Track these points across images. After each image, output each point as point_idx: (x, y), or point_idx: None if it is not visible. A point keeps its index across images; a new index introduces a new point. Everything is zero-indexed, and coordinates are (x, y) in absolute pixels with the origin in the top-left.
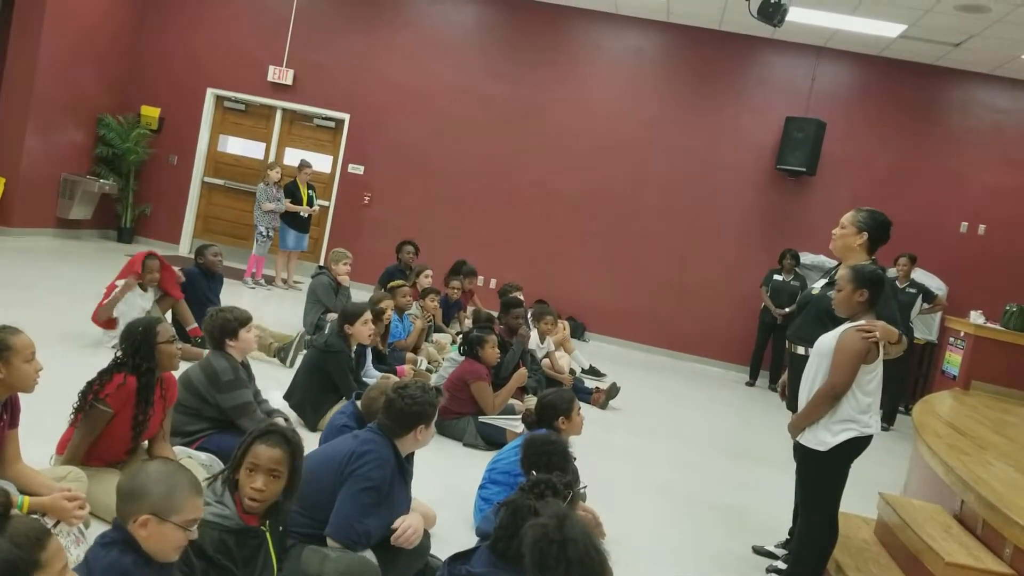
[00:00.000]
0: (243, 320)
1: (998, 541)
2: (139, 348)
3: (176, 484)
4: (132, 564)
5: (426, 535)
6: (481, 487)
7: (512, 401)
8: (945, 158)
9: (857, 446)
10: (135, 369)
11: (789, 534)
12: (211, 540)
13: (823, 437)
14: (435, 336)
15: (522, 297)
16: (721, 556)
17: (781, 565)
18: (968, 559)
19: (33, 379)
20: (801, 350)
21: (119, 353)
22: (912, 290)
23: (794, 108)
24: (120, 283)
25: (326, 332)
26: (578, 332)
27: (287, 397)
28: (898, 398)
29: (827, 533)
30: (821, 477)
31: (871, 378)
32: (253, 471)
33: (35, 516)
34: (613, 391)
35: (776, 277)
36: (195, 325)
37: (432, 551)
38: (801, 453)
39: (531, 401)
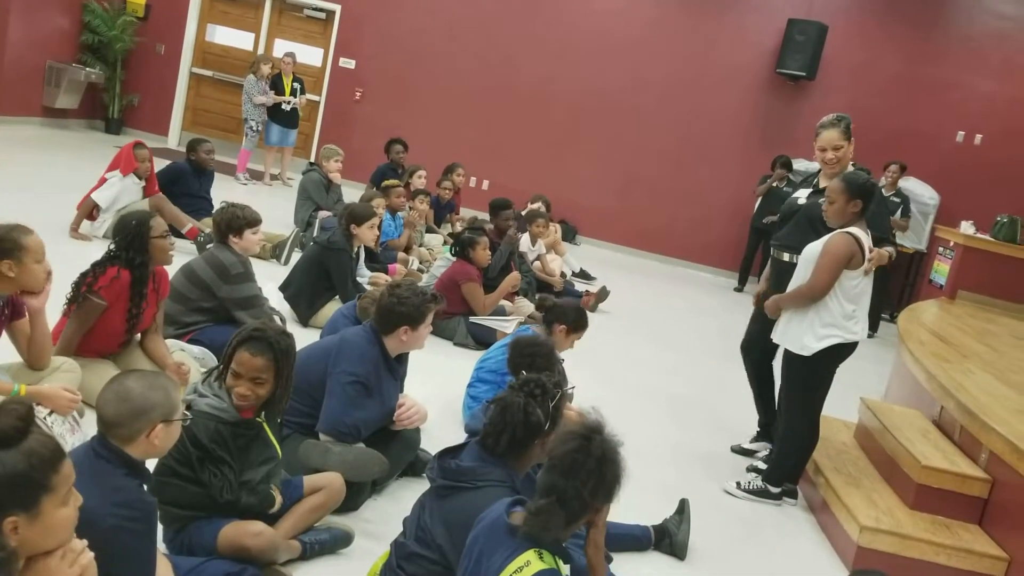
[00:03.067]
0: (252, 221)
1: (975, 447)
2: (132, 242)
3: (166, 385)
4: (140, 487)
5: (417, 430)
6: (470, 385)
7: (503, 302)
8: (945, 66)
9: (841, 352)
10: (128, 263)
11: (759, 426)
12: (206, 430)
13: (807, 342)
14: (427, 237)
15: (541, 209)
16: (705, 455)
17: (761, 464)
18: (944, 463)
19: (42, 280)
20: (787, 257)
21: (112, 246)
22: (896, 199)
23: (796, 10)
24: (110, 175)
25: (316, 228)
26: (570, 235)
27: (283, 288)
28: (881, 306)
29: (808, 435)
30: (804, 381)
31: (855, 284)
32: (238, 377)
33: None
34: (603, 294)
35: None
36: (190, 225)
37: (422, 446)
38: (786, 357)
39: (521, 303)
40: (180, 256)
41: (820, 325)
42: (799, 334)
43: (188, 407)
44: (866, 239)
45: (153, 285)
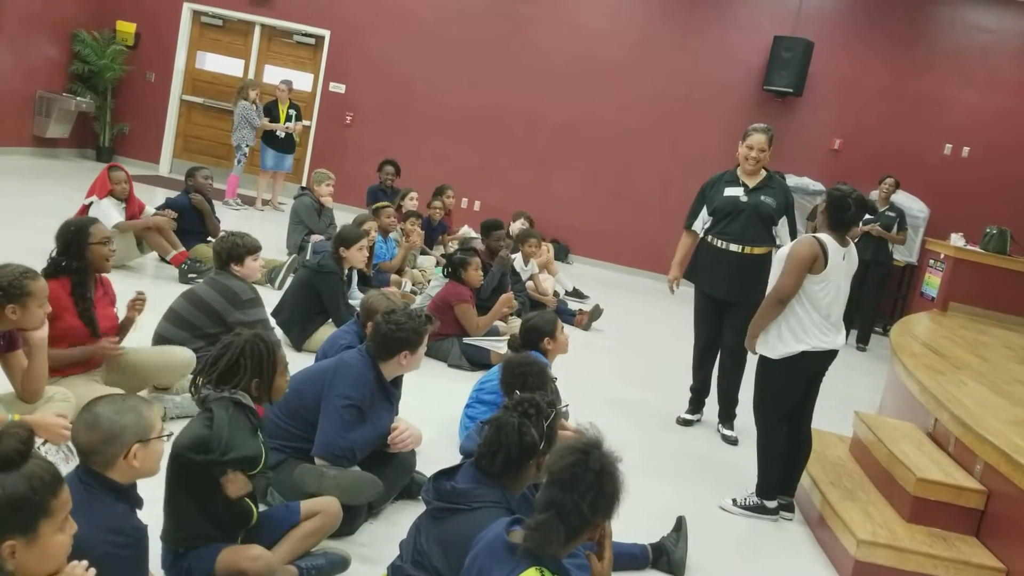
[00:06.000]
0: (251, 248)
1: (969, 458)
2: (70, 247)
3: (138, 406)
4: (131, 511)
5: (412, 452)
6: (468, 406)
7: (496, 323)
8: (931, 79)
9: (809, 361)
10: (66, 268)
11: (690, 390)
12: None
13: (775, 344)
14: (419, 259)
15: (519, 225)
16: (700, 473)
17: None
18: (939, 475)
19: (41, 320)
20: (738, 248)
21: (53, 252)
22: (891, 213)
23: (782, 27)
24: (89, 201)
25: (308, 252)
26: (562, 255)
27: (275, 314)
28: (872, 320)
29: (779, 442)
30: (770, 383)
31: (824, 292)
32: (284, 372)
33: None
34: (596, 313)
35: None
36: (174, 252)
37: (418, 468)
38: (758, 361)
39: (515, 323)
40: (165, 283)
41: (788, 331)
42: (767, 337)
43: (203, 400)
44: (833, 245)
45: (103, 290)
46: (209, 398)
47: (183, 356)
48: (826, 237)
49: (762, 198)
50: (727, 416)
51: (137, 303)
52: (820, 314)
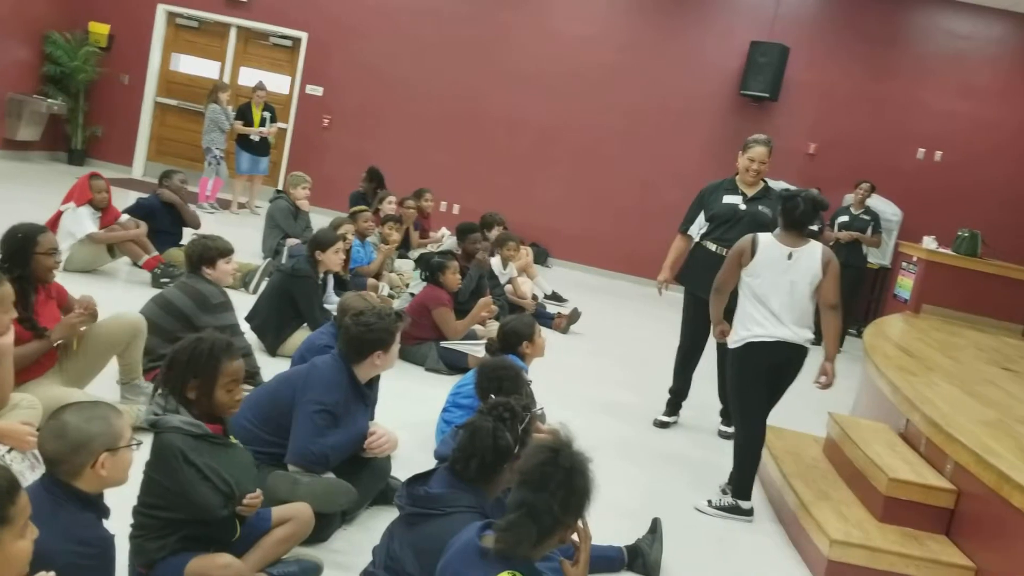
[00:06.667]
0: (223, 251)
1: (940, 458)
2: (15, 254)
3: (107, 414)
4: (97, 521)
5: (387, 458)
6: (444, 411)
7: (475, 327)
8: (905, 85)
9: (760, 353)
10: (8, 274)
11: (669, 392)
12: (187, 444)
13: (732, 334)
14: (397, 263)
15: (493, 231)
16: (676, 475)
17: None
18: (911, 475)
19: (6, 326)
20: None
21: None
22: (866, 217)
23: (759, 32)
24: (66, 207)
25: (284, 256)
26: (541, 258)
27: (249, 319)
28: (846, 322)
29: (755, 439)
30: (730, 375)
31: (758, 283)
32: (234, 384)
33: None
34: (575, 316)
35: None
36: (146, 257)
37: (393, 473)
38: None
39: (492, 327)
40: (138, 287)
41: (739, 321)
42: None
43: (155, 424)
44: (769, 241)
45: (46, 294)
46: (160, 423)
47: (130, 317)
48: (765, 235)
49: (759, 208)
50: (727, 413)
51: (87, 309)
52: (764, 306)
